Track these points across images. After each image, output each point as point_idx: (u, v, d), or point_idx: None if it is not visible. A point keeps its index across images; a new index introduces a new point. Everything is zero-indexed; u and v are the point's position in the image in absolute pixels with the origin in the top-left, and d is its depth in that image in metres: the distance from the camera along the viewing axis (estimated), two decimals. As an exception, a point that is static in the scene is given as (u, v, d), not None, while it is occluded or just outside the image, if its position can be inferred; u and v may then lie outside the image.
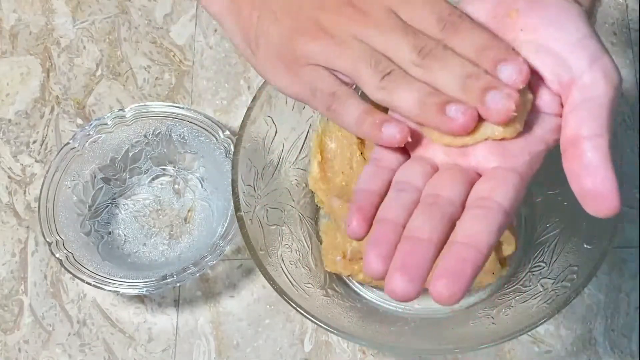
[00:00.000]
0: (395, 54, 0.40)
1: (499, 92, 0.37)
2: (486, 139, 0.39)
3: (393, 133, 0.39)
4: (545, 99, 0.39)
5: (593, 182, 0.35)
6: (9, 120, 0.74)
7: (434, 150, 0.41)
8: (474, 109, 0.38)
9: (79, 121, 0.73)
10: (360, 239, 0.39)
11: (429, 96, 0.39)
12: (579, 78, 0.37)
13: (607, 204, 0.36)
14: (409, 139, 0.39)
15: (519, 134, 0.39)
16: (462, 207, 0.38)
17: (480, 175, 0.39)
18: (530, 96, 0.39)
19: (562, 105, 0.39)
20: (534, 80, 0.39)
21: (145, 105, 0.67)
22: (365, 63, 0.40)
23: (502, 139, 0.39)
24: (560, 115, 0.39)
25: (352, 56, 0.41)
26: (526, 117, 0.39)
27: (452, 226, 0.37)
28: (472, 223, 0.36)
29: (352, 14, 0.41)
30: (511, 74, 0.37)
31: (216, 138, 0.66)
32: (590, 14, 0.42)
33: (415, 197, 0.39)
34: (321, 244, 0.63)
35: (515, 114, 0.37)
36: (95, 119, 0.67)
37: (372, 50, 0.41)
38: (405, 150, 0.42)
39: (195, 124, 0.66)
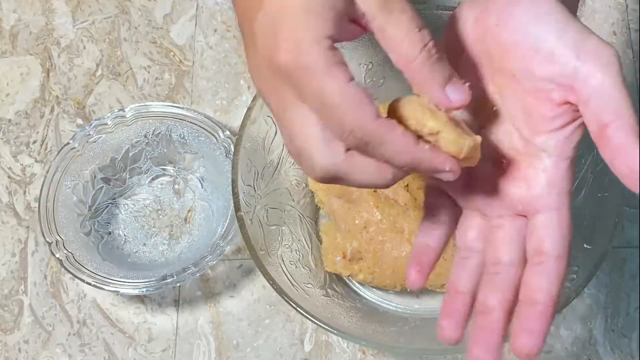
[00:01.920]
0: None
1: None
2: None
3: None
4: (546, 117, 0.39)
5: (626, 162, 0.36)
6: (9, 120, 0.74)
7: (477, 200, 0.43)
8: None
9: (79, 121, 0.73)
10: (418, 290, 0.46)
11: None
12: (574, 73, 0.37)
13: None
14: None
15: (542, 166, 0.40)
16: (523, 262, 0.41)
17: (525, 217, 0.41)
18: (476, 138, 0.39)
19: (564, 113, 0.39)
20: (534, 96, 0.39)
21: (145, 105, 0.67)
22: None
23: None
24: (567, 123, 0.39)
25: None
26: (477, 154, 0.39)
27: (517, 289, 0.41)
28: (535, 280, 0.40)
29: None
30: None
31: (216, 138, 0.66)
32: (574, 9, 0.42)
33: (479, 261, 0.43)
34: (321, 244, 0.63)
35: None
36: (95, 119, 0.67)
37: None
38: (452, 200, 0.45)
39: (195, 124, 0.66)
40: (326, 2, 0.36)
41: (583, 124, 0.39)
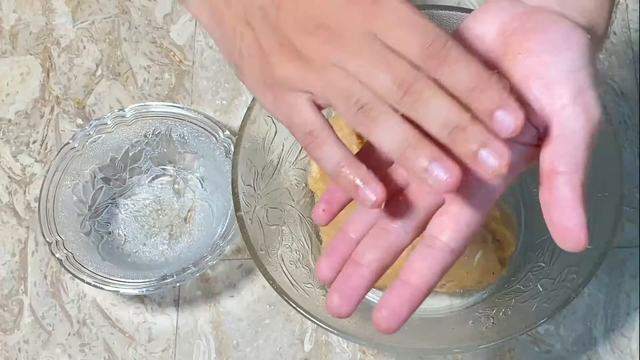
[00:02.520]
0: (374, 85, 0.36)
1: (491, 153, 0.34)
2: None
3: (368, 197, 0.37)
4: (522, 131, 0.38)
5: (561, 217, 0.36)
6: (9, 120, 0.74)
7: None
8: (459, 170, 0.35)
9: (79, 121, 0.73)
10: (323, 226, 0.44)
11: (410, 147, 0.36)
12: (561, 110, 0.37)
13: (573, 239, 0.37)
14: (382, 206, 0.37)
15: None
16: (414, 234, 0.40)
17: (442, 199, 0.40)
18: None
19: (537, 136, 0.39)
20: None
21: (145, 105, 0.67)
22: (338, 92, 0.37)
23: None
24: (530, 145, 0.39)
25: (326, 84, 0.38)
26: None
27: (397, 254, 0.40)
28: (417, 262, 0.39)
29: (328, 37, 0.37)
30: (508, 125, 0.34)
31: (216, 138, 0.66)
32: (600, 44, 0.41)
33: (378, 215, 0.41)
34: (321, 244, 0.63)
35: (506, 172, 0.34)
36: (95, 119, 0.67)
37: (347, 78, 0.37)
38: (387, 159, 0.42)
39: (195, 124, 0.66)
40: None
41: (528, 161, 0.39)
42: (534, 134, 0.39)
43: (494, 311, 0.57)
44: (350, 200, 0.43)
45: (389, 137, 0.36)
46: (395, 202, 0.41)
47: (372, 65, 0.36)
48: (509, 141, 0.35)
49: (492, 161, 0.34)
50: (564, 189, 0.36)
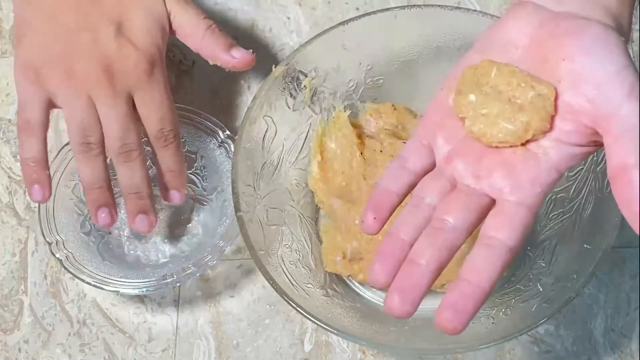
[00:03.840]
0: (108, 132, 0.58)
1: (145, 217, 0.60)
2: (532, 136, 0.41)
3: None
4: (566, 129, 0.40)
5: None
6: (9, 120, 0.74)
7: (457, 165, 0.43)
8: (114, 218, 0.61)
9: (79, 121, 0.73)
10: (373, 234, 0.44)
11: (95, 190, 0.59)
12: (618, 109, 0.38)
13: None
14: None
15: (532, 162, 0.41)
16: (467, 234, 0.41)
17: (492, 200, 0.41)
18: (548, 94, 0.40)
19: (584, 136, 0.40)
20: (559, 110, 0.40)
21: (145, 105, 0.67)
22: (76, 125, 0.57)
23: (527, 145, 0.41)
24: (579, 145, 0.40)
25: (71, 109, 0.57)
26: (553, 104, 0.40)
27: (453, 253, 0.40)
28: (478, 260, 0.40)
29: (64, 76, 0.57)
30: (174, 199, 0.63)
31: (216, 138, 0.66)
32: (627, 38, 0.42)
33: (428, 215, 0.42)
34: (321, 244, 0.63)
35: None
36: (95, 119, 0.67)
37: (89, 117, 0.57)
38: (431, 156, 0.44)
39: (195, 124, 0.66)
40: None
41: (587, 155, 0.41)
42: (580, 134, 0.40)
43: (494, 311, 0.57)
44: (399, 203, 0.44)
45: (90, 174, 0.58)
46: (447, 200, 0.42)
47: (115, 119, 0.57)
48: (559, 142, 0.40)
49: (140, 225, 0.60)
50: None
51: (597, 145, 0.40)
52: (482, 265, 0.39)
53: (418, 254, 0.40)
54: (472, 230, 0.41)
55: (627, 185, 0.37)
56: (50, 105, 0.58)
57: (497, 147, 0.42)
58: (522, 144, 0.42)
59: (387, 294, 0.40)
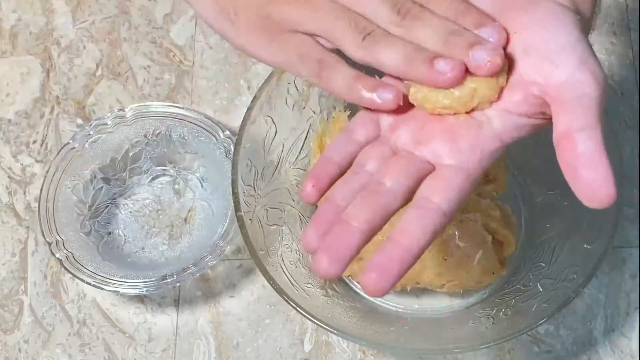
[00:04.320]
0: (374, 15, 0.41)
1: (484, 47, 0.39)
2: (478, 104, 0.40)
3: (387, 97, 0.41)
4: (514, 99, 0.40)
5: (587, 171, 0.36)
6: (9, 120, 0.74)
7: (400, 134, 0.42)
8: (462, 62, 0.39)
9: (79, 121, 0.73)
10: (312, 204, 0.43)
11: (415, 52, 0.40)
12: (568, 77, 0.38)
13: (603, 192, 0.35)
14: (401, 103, 0.41)
15: (474, 129, 0.40)
16: (403, 198, 0.39)
17: (432, 166, 0.40)
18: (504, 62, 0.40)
19: (532, 106, 0.39)
20: (509, 78, 0.40)
21: (145, 105, 0.67)
22: (344, 24, 0.41)
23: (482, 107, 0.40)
24: (526, 116, 0.40)
25: (329, 18, 0.42)
26: (506, 77, 0.40)
27: (387, 216, 0.39)
28: (409, 222, 0.38)
29: None
30: (492, 34, 0.40)
31: (216, 138, 0.66)
32: (588, 25, 0.42)
33: (365, 181, 0.40)
34: (321, 244, 0.62)
35: (500, 67, 0.39)
36: (95, 119, 0.67)
37: (349, 12, 0.42)
38: (377, 128, 0.43)
39: (195, 124, 0.66)
40: None
41: (534, 128, 0.40)
42: (528, 103, 0.39)
43: (494, 311, 0.57)
44: (340, 174, 0.42)
45: (395, 52, 0.41)
46: (386, 165, 0.41)
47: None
48: (505, 112, 0.40)
49: (488, 54, 0.39)
50: (588, 144, 0.36)
51: (545, 117, 0.40)
52: (412, 227, 0.38)
53: (350, 215, 0.39)
54: (410, 196, 0.40)
55: (570, 148, 0.36)
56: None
57: (440, 114, 0.41)
58: (467, 112, 0.41)
59: (315, 255, 0.38)
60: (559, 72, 0.38)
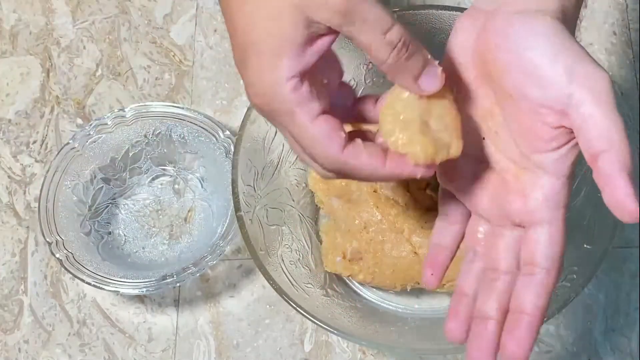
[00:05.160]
0: None
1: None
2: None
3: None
4: (544, 137, 0.40)
5: (612, 194, 0.37)
6: (9, 120, 0.74)
7: (480, 205, 0.44)
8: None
9: (79, 121, 0.73)
10: (433, 289, 0.48)
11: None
12: (567, 101, 0.38)
13: (626, 211, 0.38)
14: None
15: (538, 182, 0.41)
16: (518, 267, 0.43)
17: (522, 227, 0.43)
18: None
19: (560, 136, 0.40)
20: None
21: (145, 105, 0.67)
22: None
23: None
24: (562, 146, 0.40)
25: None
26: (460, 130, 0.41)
27: (510, 295, 0.42)
28: (522, 292, 0.41)
29: None
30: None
31: (216, 138, 0.66)
32: (573, 18, 0.42)
33: (484, 264, 0.44)
34: (321, 244, 0.63)
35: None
36: (95, 119, 0.67)
37: None
38: (463, 206, 0.46)
39: (195, 124, 0.66)
40: (285, 38, 0.38)
41: (578, 145, 0.40)
42: (556, 135, 0.39)
43: (494, 311, 0.57)
44: (452, 257, 0.47)
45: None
46: (494, 247, 0.44)
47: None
48: (545, 153, 0.41)
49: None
50: (608, 167, 0.37)
51: (572, 134, 0.40)
52: (527, 294, 0.41)
53: (484, 309, 0.42)
54: (518, 263, 0.43)
55: (598, 172, 0.37)
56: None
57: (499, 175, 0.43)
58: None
59: (467, 353, 0.42)
60: (554, 96, 0.38)
